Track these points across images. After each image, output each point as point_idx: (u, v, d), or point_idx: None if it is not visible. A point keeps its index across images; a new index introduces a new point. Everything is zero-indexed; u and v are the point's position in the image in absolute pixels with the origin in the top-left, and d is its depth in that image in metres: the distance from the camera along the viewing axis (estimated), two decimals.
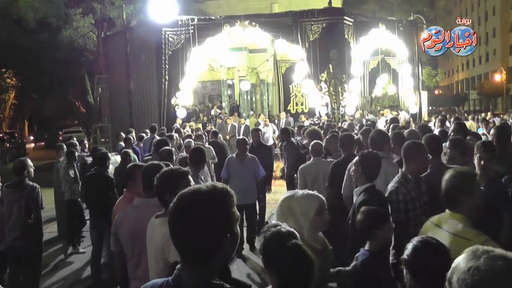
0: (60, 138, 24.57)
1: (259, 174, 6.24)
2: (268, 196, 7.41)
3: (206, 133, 9.97)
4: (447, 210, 2.38)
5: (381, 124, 11.48)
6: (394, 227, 2.66)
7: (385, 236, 2.61)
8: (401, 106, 17.33)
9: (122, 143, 9.22)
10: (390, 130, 6.35)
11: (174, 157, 5.62)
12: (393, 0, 30.08)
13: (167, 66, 13.54)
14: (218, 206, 1.32)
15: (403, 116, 14.49)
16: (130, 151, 6.55)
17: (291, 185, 6.63)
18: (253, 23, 13.27)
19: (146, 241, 2.57)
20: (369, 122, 10.27)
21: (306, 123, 12.37)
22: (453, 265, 1.17)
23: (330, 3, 14.29)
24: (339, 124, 10.61)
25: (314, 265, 1.85)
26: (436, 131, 6.53)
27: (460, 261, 1.15)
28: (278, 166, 11.37)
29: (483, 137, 6.02)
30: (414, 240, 1.93)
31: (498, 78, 44.17)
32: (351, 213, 3.21)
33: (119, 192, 4.56)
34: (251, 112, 19.12)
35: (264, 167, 6.47)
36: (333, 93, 13.56)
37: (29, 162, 4.81)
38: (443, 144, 4.04)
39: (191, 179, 2.54)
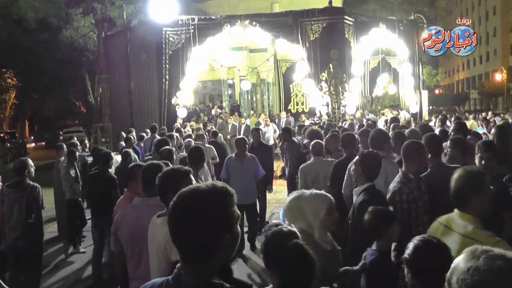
0: (61, 138, 24.55)
1: (258, 173, 6.22)
2: (269, 196, 7.40)
3: (207, 133, 9.96)
4: (455, 210, 2.32)
5: (381, 124, 11.46)
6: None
7: (393, 235, 2.60)
8: (402, 106, 17.32)
9: (123, 143, 9.21)
10: (390, 129, 6.34)
11: (174, 156, 5.62)
12: None
13: (167, 66, 13.54)
14: (218, 205, 1.31)
15: (403, 116, 14.45)
16: (130, 150, 6.56)
17: (292, 185, 6.60)
18: (254, 23, 13.26)
19: (148, 240, 2.56)
20: (369, 122, 10.25)
21: (307, 122, 12.36)
22: (452, 265, 1.16)
23: (330, 2, 14.29)
24: (340, 124, 10.61)
25: (315, 265, 1.85)
26: (437, 131, 6.51)
27: (460, 261, 1.13)
28: (279, 165, 11.36)
29: (484, 137, 6.01)
30: (416, 240, 1.92)
31: (499, 78, 44.18)
32: (351, 213, 3.20)
33: (120, 191, 4.57)
34: (252, 112, 19.06)
35: (265, 167, 6.46)
36: (333, 92, 13.56)
37: (30, 162, 4.82)
38: (444, 144, 4.03)
39: (193, 178, 2.53)
